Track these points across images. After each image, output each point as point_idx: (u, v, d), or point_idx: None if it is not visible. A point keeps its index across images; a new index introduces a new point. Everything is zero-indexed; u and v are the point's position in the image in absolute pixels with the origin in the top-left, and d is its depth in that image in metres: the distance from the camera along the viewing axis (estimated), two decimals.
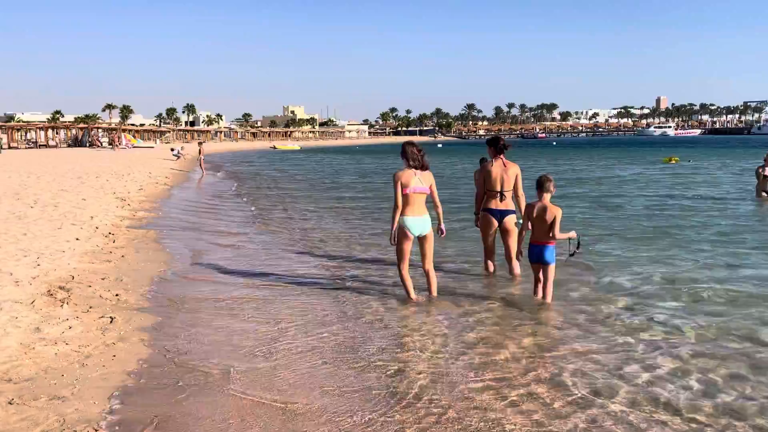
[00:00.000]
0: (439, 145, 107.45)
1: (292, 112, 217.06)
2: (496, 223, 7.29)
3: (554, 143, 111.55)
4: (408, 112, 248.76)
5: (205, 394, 4.07)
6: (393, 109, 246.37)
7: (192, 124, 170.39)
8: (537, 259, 6.15)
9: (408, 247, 6.25)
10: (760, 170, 15.92)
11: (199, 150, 33.06)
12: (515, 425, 3.61)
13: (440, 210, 6.43)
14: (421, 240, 6.28)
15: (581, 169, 32.20)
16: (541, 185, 6.12)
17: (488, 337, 5.28)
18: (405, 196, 6.12)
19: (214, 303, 6.36)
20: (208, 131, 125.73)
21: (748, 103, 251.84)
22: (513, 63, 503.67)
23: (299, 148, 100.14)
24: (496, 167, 7.31)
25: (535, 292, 6.37)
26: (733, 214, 12.98)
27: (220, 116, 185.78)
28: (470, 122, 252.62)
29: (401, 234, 6.21)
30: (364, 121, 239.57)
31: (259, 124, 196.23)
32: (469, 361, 4.67)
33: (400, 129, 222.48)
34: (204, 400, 3.98)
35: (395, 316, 5.94)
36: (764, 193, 15.65)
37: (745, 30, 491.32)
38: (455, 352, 4.88)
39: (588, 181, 23.59)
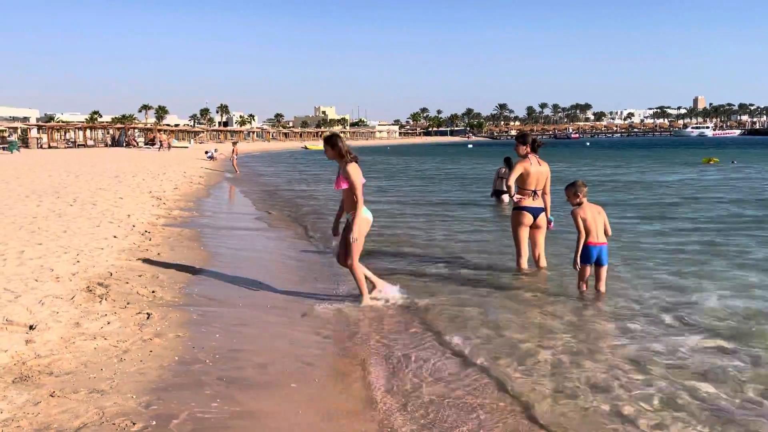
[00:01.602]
0: (470, 146, 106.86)
1: (324, 112, 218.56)
2: (531, 220, 7.27)
3: (588, 144, 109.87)
4: (439, 112, 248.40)
5: (240, 392, 4.11)
6: (424, 110, 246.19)
7: (225, 124, 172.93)
8: (598, 259, 6.31)
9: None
10: None
11: (233, 150, 33.49)
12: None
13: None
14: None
15: (630, 172, 31.62)
16: (583, 187, 6.39)
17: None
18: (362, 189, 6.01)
19: (250, 301, 6.43)
20: (241, 131, 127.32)
21: None
22: (545, 62, 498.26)
23: None
24: (534, 165, 7.29)
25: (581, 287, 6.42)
26: None
27: (253, 116, 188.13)
28: (502, 122, 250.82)
29: (368, 226, 6.10)
30: (395, 121, 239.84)
31: (290, 124, 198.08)
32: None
33: (431, 129, 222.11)
34: (238, 397, 4.02)
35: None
36: None
37: None
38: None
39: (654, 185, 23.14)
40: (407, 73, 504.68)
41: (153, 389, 4.08)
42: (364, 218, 5.98)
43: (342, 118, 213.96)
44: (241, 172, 30.79)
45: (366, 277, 6.26)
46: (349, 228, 6.02)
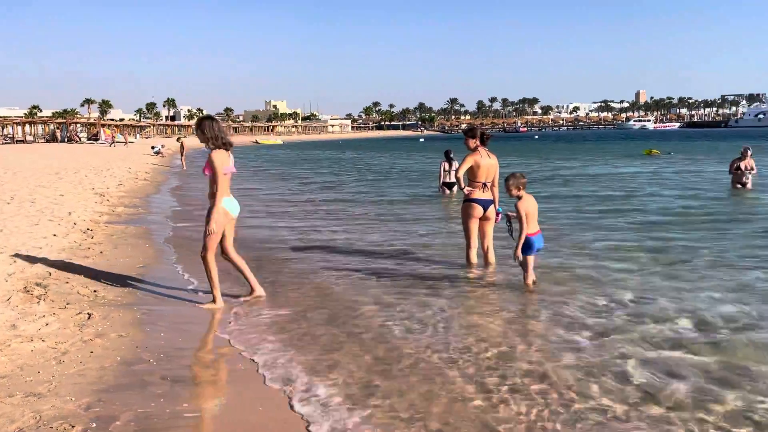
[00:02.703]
0: (421, 140, 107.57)
1: (275, 106, 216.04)
2: (481, 212, 7.37)
3: (536, 137, 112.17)
4: (391, 106, 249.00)
5: (185, 391, 4.05)
6: (376, 104, 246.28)
7: (173, 118, 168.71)
8: (537, 248, 6.47)
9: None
10: (736, 163, 16.39)
11: (181, 146, 32.80)
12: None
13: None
14: (230, 223, 6.00)
15: (576, 166, 32.42)
16: (522, 179, 6.56)
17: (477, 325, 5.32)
18: (224, 178, 5.76)
19: (192, 299, 6.32)
20: (189, 126, 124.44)
21: (726, 97, 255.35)
22: (495, 57, 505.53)
23: (281, 142, 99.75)
24: (484, 158, 7.39)
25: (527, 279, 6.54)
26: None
27: (201, 111, 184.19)
28: (453, 116, 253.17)
29: (226, 218, 5.88)
30: (347, 115, 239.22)
31: (240, 118, 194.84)
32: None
33: (383, 123, 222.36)
34: (184, 396, 3.96)
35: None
36: (739, 185, 16.13)
37: (721, 24, 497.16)
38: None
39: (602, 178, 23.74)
40: (360, 67, 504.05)
41: (94, 391, 3.97)
42: (222, 209, 5.78)
43: (293, 112, 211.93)
44: (188, 168, 30.17)
45: (245, 277, 6.14)
46: (206, 218, 5.83)
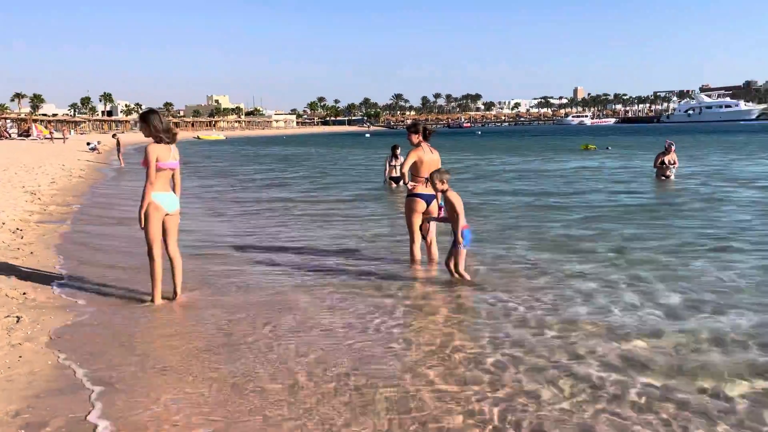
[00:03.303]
0: (367, 135, 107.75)
1: (217, 101, 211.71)
2: (425, 207, 7.43)
3: (479, 132, 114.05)
4: (336, 101, 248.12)
5: (116, 394, 3.94)
6: (321, 99, 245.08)
7: (110, 114, 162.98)
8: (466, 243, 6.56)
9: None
10: (661, 157, 17.31)
11: (117, 142, 31.78)
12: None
13: (179, 190, 6.04)
14: (168, 218, 5.90)
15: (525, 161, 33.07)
16: (446, 174, 6.66)
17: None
18: (159, 171, 5.72)
19: (127, 300, 6.15)
20: (126, 121, 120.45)
21: (658, 93, 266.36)
22: (439, 53, 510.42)
23: (224, 138, 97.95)
24: (427, 153, 7.44)
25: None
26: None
27: (140, 105, 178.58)
28: (398, 112, 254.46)
29: (158, 212, 5.77)
30: (291, 110, 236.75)
31: (181, 113, 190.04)
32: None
33: (328, 119, 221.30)
34: (117, 400, 3.86)
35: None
36: (663, 177, 17.07)
37: (654, 23, 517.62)
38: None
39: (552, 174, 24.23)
40: (305, 62, 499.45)
41: (23, 397, 3.83)
42: (153, 203, 5.72)
43: (236, 107, 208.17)
44: (125, 164, 29.26)
45: (173, 279, 6.03)
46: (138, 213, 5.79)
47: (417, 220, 7.54)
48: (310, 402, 3.78)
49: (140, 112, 5.93)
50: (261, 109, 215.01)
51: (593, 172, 21.61)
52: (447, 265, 6.71)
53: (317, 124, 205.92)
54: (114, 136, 33.55)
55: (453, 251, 6.62)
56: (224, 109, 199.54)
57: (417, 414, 3.63)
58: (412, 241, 7.68)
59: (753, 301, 5.80)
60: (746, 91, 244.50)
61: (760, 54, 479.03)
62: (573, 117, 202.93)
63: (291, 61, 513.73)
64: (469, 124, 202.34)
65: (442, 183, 6.56)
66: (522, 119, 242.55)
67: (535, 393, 3.90)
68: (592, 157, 30.65)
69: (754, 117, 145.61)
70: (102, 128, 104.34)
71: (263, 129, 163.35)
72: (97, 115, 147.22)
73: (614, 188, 16.07)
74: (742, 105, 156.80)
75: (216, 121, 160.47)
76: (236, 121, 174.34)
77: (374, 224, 10.84)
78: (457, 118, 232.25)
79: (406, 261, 7.66)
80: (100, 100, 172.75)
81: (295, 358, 4.49)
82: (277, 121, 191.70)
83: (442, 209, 7.59)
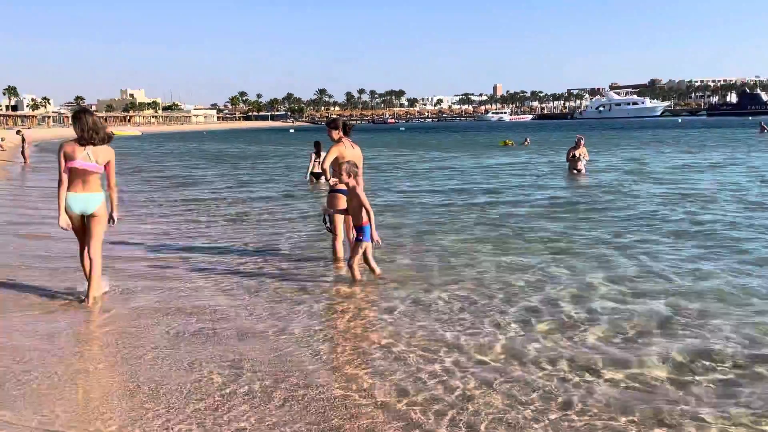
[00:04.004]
0: (291, 131, 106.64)
1: (131, 95, 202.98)
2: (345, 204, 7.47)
3: (402, 128, 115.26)
4: (259, 96, 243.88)
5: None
6: (242, 93, 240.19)
7: (15, 108, 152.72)
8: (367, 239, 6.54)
9: (76, 227, 5.83)
10: (572, 151, 18.25)
11: (22, 138, 30.01)
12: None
13: (114, 194, 5.92)
14: (90, 219, 5.81)
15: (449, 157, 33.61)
16: (356, 167, 6.58)
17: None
18: (70, 171, 5.66)
19: (30, 304, 5.89)
20: (33, 116, 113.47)
21: (571, 91, 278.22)
22: (363, 49, 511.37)
23: (140, 133, 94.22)
24: (348, 149, 7.42)
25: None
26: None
27: (48, 100, 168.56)
28: (322, 107, 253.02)
29: (62, 213, 5.70)
30: (212, 105, 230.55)
31: (94, 108, 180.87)
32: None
33: (250, 114, 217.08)
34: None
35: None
36: (575, 171, 18.01)
37: (566, 23, 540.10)
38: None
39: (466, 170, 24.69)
40: (225, 55, 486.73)
41: None
42: (62, 205, 5.71)
43: (153, 102, 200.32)
44: (31, 162, 27.66)
45: (88, 281, 5.89)
46: None
47: (339, 216, 7.59)
48: (224, 406, 3.80)
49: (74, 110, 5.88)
50: (179, 104, 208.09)
51: (513, 167, 22.39)
52: (350, 265, 6.58)
53: (239, 120, 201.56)
54: (18, 132, 31.59)
55: (355, 248, 6.51)
56: (140, 103, 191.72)
57: (336, 413, 3.72)
58: (334, 237, 7.74)
59: (670, 287, 6.27)
60: (651, 88, 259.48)
61: (664, 53, 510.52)
62: (493, 113, 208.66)
63: (211, 55, 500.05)
64: (393, 120, 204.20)
65: (350, 176, 6.47)
66: (444, 116, 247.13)
67: (453, 387, 4.08)
68: (510, 152, 31.72)
69: (658, 113, 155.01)
70: (6, 124, 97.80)
71: (182, 124, 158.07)
72: (1, 110, 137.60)
73: (531, 182, 16.73)
74: (648, 102, 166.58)
75: (131, 117, 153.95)
76: (153, 117, 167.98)
77: (297, 221, 10.81)
78: (382, 114, 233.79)
79: (329, 258, 7.72)
80: (4, 94, 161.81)
81: (209, 361, 4.47)
82: (196, 116, 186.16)
83: None
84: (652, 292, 6.01)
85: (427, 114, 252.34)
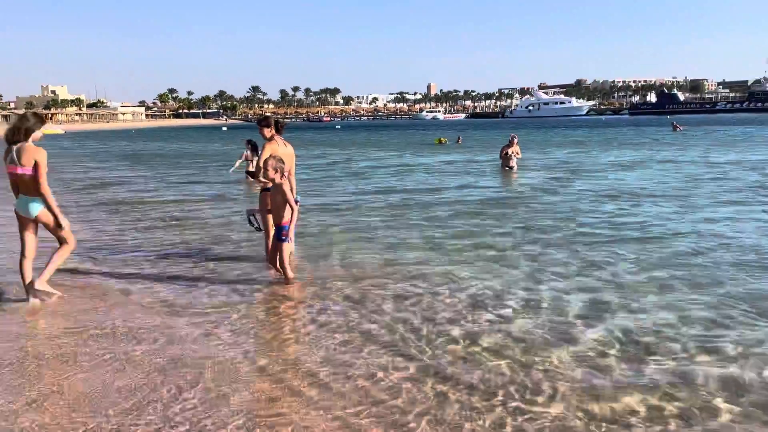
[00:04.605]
0: (224, 128, 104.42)
1: (53, 92, 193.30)
2: None
3: (338, 126, 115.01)
4: (189, 93, 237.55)
5: None
6: (172, 90, 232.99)
7: None
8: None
9: (23, 232, 5.77)
10: (505, 149, 18.83)
11: None
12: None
13: (49, 198, 5.66)
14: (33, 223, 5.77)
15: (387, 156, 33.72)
16: (282, 163, 6.49)
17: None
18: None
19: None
20: None
21: (502, 90, 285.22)
22: (297, 46, 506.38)
23: (63, 132, 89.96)
24: (281, 147, 7.36)
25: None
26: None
27: None
28: (256, 105, 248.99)
29: (19, 217, 5.71)
30: (140, 102, 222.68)
31: (12, 105, 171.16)
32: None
33: (181, 111, 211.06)
34: None
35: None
36: (507, 168, 18.57)
37: (496, 23, 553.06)
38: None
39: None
40: (153, 50, 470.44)
41: None
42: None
43: (76, 99, 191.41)
44: None
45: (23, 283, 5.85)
46: None
47: (268, 214, 7.54)
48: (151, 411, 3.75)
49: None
50: (105, 101, 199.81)
51: (449, 165, 22.74)
52: (280, 266, 6.53)
53: (169, 117, 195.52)
54: None
55: (279, 248, 6.45)
56: (62, 100, 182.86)
57: (265, 416, 3.75)
58: (267, 236, 7.69)
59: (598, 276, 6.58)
60: (577, 88, 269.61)
61: (588, 55, 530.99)
62: (427, 112, 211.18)
63: (139, 50, 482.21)
64: (329, 118, 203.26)
65: (276, 172, 6.39)
66: (380, 114, 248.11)
67: (387, 385, 4.18)
68: (446, 151, 32.21)
69: (584, 112, 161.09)
70: None
71: (108, 122, 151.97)
72: None
73: (466, 181, 17.05)
74: (574, 102, 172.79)
75: (53, 114, 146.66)
76: (77, 114, 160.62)
77: (229, 223, 10.66)
78: (317, 112, 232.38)
79: (262, 257, 7.67)
80: None
81: (134, 366, 4.41)
82: (123, 113, 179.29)
83: (299, 203, 7.66)
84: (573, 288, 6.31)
85: (362, 112, 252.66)
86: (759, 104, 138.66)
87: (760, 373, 4.15)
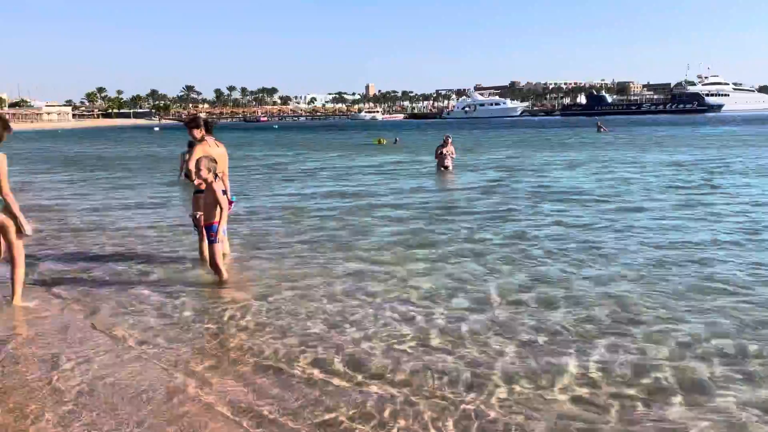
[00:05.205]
0: (156, 128, 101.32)
1: None
2: None
3: (276, 126, 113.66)
4: (119, 92, 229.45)
5: None
6: (101, 89, 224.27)
7: None
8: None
9: None
10: (440, 149, 19.15)
11: None
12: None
13: (11, 202, 5.60)
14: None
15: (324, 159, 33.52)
16: (213, 163, 6.45)
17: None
18: None
19: None
20: None
21: (439, 91, 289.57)
22: (232, 44, 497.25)
23: None
24: (213, 147, 7.23)
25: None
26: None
27: None
28: (190, 105, 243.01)
29: None
30: (66, 102, 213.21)
31: None
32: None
33: (111, 111, 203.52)
34: None
35: None
36: (443, 168, 18.91)
37: (433, 24, 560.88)
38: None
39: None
40: (80, 47, 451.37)
41: None
42: None
43: None
44: None
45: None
46: None
47: (201, 216, 7.41)
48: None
49: None
50: (29, 100, 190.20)
51: (388, 166, 22.87)
52: (213, 266, 6.48)
53: (98, 117, 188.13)
54: None
55: (210, 249, 6.39)
56: None
57: (194, 419, 3.69)
58: (201, 238, 7.55)
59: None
60: (512, 90, 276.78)
61: (522, 58, 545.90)
62: (366, 112, 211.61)
63: (65, 46, 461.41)
64: (266, 119, 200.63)
65: (210, 172, 6.31)
66: (319, 114, 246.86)
67: (315, 381, 4.18)
68: (385, 151, 32.39)
69: (518, 113, 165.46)
70: None
71: (32, 122, 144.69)
72: None
73: (401, 183, 17.22)
74: (509, 103, 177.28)
75: None
76: None
77: (164, 222, 10.38)
78: (254, 112, 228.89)
79: (196, 259, 7.53)
80: None
81: (65, 377, 4.25)
82: (49, 113, 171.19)
83: (233, 204, 7.56)
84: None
85: (300, 112, 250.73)
86: (681, 106, 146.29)
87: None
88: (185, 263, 7.41)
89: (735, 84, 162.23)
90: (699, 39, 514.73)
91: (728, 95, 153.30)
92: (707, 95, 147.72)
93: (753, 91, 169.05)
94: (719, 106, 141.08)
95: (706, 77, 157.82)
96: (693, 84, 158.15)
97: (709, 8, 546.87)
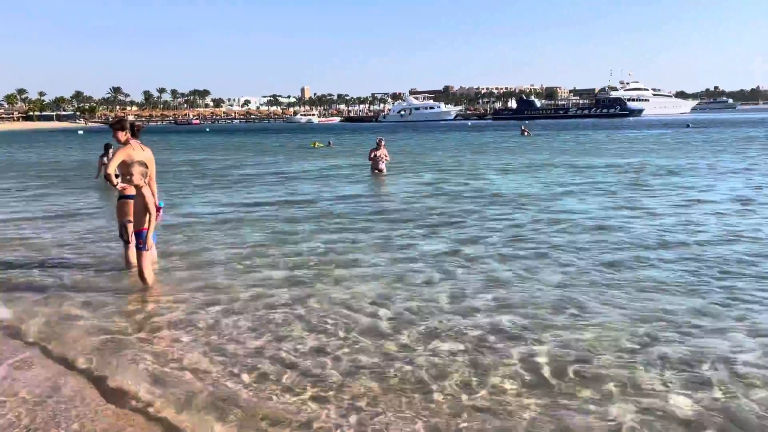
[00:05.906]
0: (80, 132, 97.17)
1: None
2: None
3: (207, 129, 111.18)
4: (41, 94, 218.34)
5: None
6: (21, 91, 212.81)
7: None
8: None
9: None
10: (373, 152, 19.32)
11: None
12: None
13: None
14: None
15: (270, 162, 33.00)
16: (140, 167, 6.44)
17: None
18: None
19: None
20: None
21: (375, 95, 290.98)
22: (162, 45, 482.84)
23: None
24: (137, 151, 7.02)
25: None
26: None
27: None
28: (117, 107, 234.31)
29: None
30: None
31: None
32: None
33: (32, 113, 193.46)
34: None
35: None
36: (377, 171, 19.09)
37: (368, 27, 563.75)
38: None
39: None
40: None
41: None
42: None
43: None
44: None
45: None
46: None
47: (130, 223, 7.24)
48: None
49: None
50: None
51: (324, 170, 22.82)
52: (140, 274, 6.44)
53: (18, 120, 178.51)
54: None
55: (138, 256, 6.35)
56: None
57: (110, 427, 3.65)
58: (126, 246, 7.37)
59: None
60: (445, 94, 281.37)
61: (455, 62, 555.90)
62: (302, 115, 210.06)
63: None
64: (198, 121, 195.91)
65: (143, 177, 6.24)
66: (253, 117, 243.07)
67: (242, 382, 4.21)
68: (320, 155, 32.32)
69: (452, 117, 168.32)
70: None
71: None
72: None
73: (339, 188, 17.29)
74: (443, 107, 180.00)
75: None
76: None
77: (86, 229, 10.05)
78: (186, 115, 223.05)
79: (121, 267, 7.35)
80: None
81: None
82: None
83: (162, 210, 7.42)
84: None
85: (234, 115, 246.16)
86: (604, 110, 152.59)
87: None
88: (108, 271, 7.22)
89: (654, 90, 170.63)
90: (621, 45, 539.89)
91: (648, 100, 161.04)
92: (629, 100, 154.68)
93: (670, 96, 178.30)
94: (640, 111, 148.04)
95: (627, 83, 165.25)
96: (615, 89, 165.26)
97: (631, 16, 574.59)
